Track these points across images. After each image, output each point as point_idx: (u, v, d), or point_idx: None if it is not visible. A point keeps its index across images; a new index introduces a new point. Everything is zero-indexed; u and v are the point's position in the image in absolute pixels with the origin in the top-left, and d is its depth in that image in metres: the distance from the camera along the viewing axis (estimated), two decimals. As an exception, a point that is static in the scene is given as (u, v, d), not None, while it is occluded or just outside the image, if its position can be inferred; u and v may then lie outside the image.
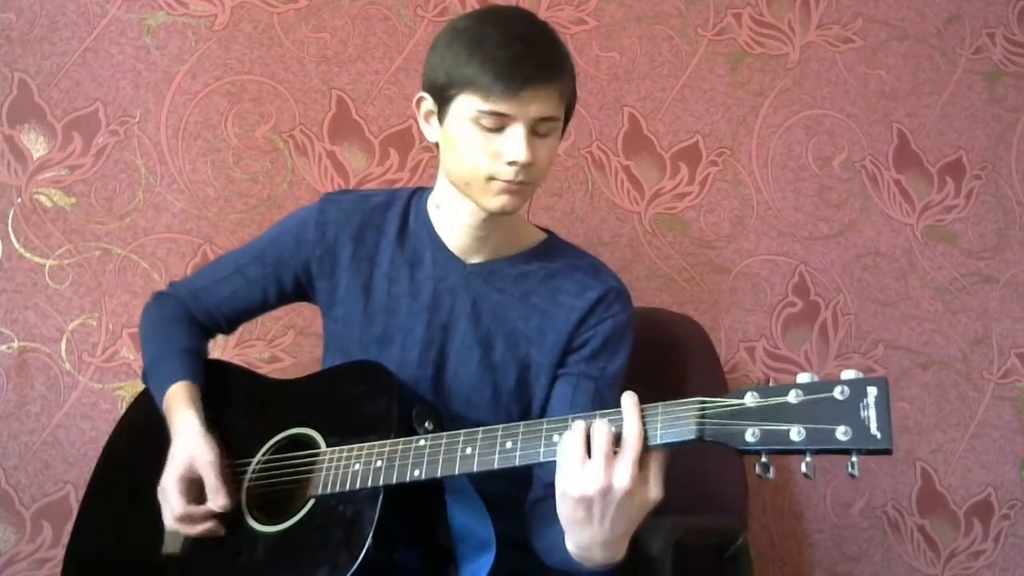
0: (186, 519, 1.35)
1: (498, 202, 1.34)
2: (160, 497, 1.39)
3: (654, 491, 1.10)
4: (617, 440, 1.10)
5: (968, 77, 2.33)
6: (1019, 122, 2.33)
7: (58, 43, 2.07)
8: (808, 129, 2.27)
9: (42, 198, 2.04)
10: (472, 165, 1.32)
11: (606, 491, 1.08)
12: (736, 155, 2.25)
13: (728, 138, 2.25)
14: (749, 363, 2.20)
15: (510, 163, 1.30)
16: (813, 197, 2.26)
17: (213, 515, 1.36)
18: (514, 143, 1.29)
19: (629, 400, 1.11)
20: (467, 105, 1.30)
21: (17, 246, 2.02)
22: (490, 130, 1.30)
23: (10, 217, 2.02)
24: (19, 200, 2.03)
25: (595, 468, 1.08)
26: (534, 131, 1.31)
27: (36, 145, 2.05)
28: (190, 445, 1.38)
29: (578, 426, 1.12)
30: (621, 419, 1.10)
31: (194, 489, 1.37)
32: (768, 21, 2.29)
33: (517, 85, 1.27)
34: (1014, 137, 2.33)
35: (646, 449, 1.09)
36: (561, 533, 1.17)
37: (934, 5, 2.34)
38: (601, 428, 1.10)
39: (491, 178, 1.32)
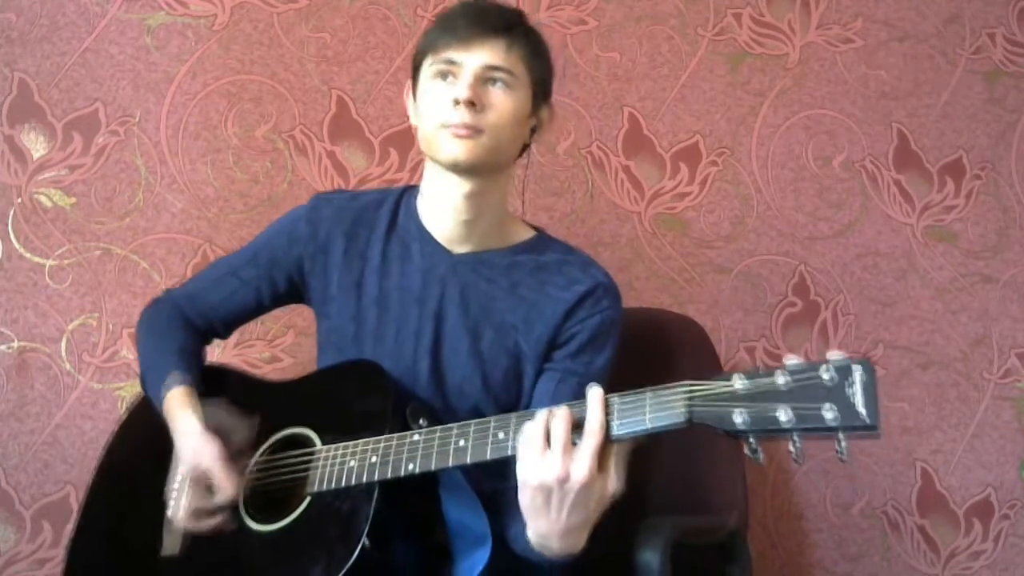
0: (198, 515, 1.37)
1: (451, 150, 1.36)
2: (171, 498, 1.41)
3: (613, 484, 1.12)
4: (579, 430, 1.11)
5: (968, 77, 2.33)
6: (1019, 122, 2.33)
7: (58, 43, 2.07)
8: (808, 129, 2.27)
9: (42, 198, 2.04)
10: (429, 117, 1.38)
11: (563, 480, 1.10)
12: (736, 155, 2.25)
13: (728, 138, 2.25)
14: (749, 363, 2.19)
15: (455, 102, 1.34)
16: (813, 197, 2.26)
17: (222, 509, 1.37)
18: (459, 83, 1.36)
19: (594, 393, 1.13)
20: (427, 66, 1.40)
21: (17, 246, 2.02)
22: (443, 80, 1.38)
23: (10, 217, 2.02)
24: (19, 200, 2.03)
25: (553, 458, 1.10)
26: (485, 79, 1.37)
27: (36, 145, 2.05)
28: (192, 446, 1.39)
29: (540, 415, 1.14)
30: (583, 410, 1.12)
31: (203, 486, 1.38)
32: (768, 21, 2.29)
33: (462, 33, 1.36)
34: (1014, 137, 2.33)
35: (608, 441, 1.10)
36: (524, 522, 1.19)
37: (934, 5, 2.34)
38: (559, 419, 1.12)
39: (443, 126, 1.36)
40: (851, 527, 2.18)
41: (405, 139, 2.15)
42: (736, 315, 2.21)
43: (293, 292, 1.57)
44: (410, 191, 1.55)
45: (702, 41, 2.27)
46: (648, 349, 1.52)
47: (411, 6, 2.18)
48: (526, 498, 1.14)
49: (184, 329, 1.58)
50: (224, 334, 1.66)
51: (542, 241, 1.53)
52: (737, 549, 1.60)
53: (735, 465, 1.68)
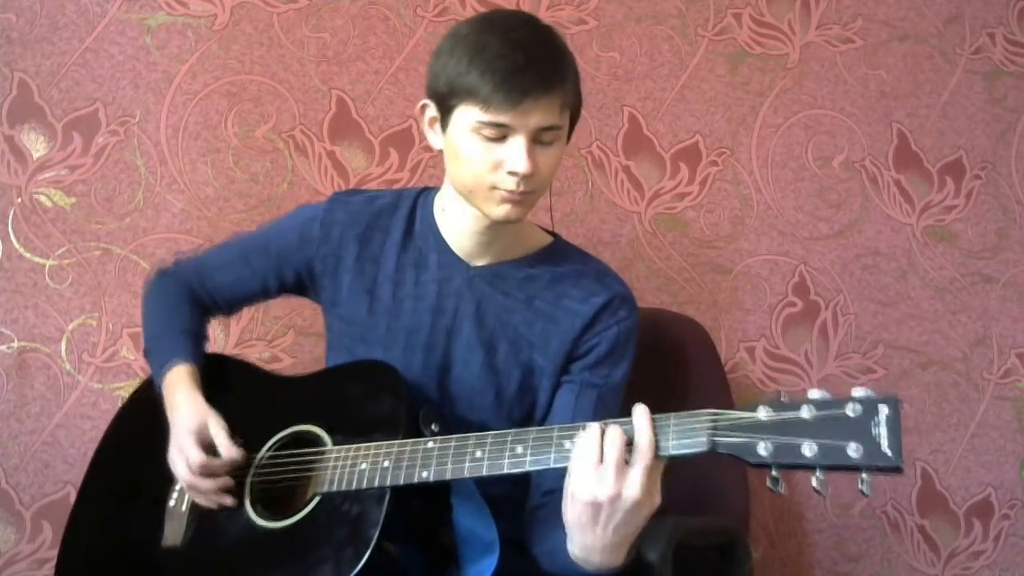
0: (205, 470, 1.35)
1: (501, 211, 1.34)
2: (172, 458, 1.39)
3: (656, 499, 1.12)
4: (628, 448, 1.10)
5: (968, 77, 2.33)
6: (1019, 122, 2.33)
7: (58, 43, 2.07)
8: (808, 129, 2.27)
9: (42, 198, 2.03)
10: (474, 175, 1.32)
11: (615, 498, 1.09)
12: (736, 155, 2.25)
13: (728, 138, 2.25)
14: (749, 363, 2.20)
15: (511, 173, 1.30)
16: (813, 197, 2.26)
17: (228, 471, 1.37)
18: (515, 154, 1.29)
19: (641, 411, 1.12)
20: (468, 115, 1.30)
21: (17, 246, 2.02)
22: (491, 140, 1.30)
23: (10, 217, 2.02)
24: (19, 200, 2.03)
25: (607, 474, 1.09)
26: (536, 140, 1.31)
27: (36, 145, 2.04)
28: (198, 411, 1.40)
29: (593, 429, 1.13)
30: (632, 428, 1.11)
31: (207, 444, 1.37)
32: (768, 21, 2.29)
33: (517, 96, 1.26)
34: (1014, 137, 2.33)
35: (656, 459, 1.10)
36: (563, 537, 1.18)
37: (934, 5, 2.34)
38: (615, 435, 1.11)
39: (493, 187, 1.32)
40: (851, 527, 2.18)
41: (405, 139, 2.15)
42: (736, 315, 2.21)
43: (300, 287, 1.57)
44: (425, 195, 1.53)
45: (702, 41, 2.27)
46: (649, 350, 1.52)
47: (411, 6, 2.18)
48: (574, 512, 1.13)
49: (191, 306, 1.60)
50: (228, 312, 1.68)
51: (558, 249, 1.52)
52: (738, 549, 1.60)
53: (737, 467, 1.68)
